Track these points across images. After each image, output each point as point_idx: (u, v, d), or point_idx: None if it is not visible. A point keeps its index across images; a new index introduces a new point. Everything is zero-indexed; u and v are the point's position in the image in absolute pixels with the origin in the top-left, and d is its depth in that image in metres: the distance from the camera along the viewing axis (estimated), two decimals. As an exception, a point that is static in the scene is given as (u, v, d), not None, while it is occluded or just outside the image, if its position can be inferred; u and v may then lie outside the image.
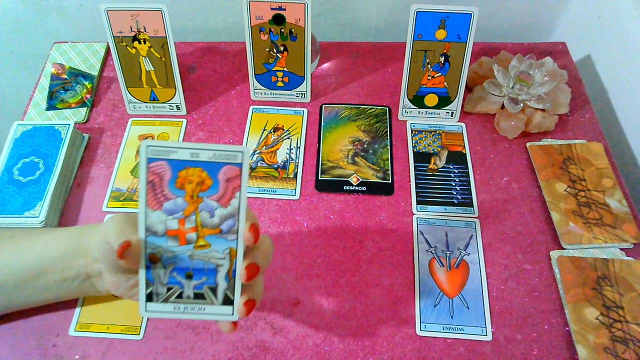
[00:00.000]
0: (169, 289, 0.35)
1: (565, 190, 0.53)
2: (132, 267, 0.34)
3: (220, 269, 0.35)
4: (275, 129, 0.60)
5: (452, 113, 0.60)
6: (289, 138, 0.59)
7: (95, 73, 0.65)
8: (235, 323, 0.36)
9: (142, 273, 0.34)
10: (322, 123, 0.61)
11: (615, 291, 0.47)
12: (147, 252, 0.34)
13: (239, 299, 0.35)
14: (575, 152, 0.56)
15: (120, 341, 0.46)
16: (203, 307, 0.35)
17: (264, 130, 0.60)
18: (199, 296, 0.35)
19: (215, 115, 0.62)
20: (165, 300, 0.35)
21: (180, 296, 0.35)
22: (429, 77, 0.58)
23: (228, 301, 0.35)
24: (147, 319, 0.47)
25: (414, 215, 0.53)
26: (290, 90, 0.62)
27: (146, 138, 0.59)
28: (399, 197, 0.55)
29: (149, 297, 0.35)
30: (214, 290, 0.35)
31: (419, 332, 0.46)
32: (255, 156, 0.58)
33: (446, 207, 0.54)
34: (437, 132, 0.60)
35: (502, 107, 0.60)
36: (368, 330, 0.46)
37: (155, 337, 0.46)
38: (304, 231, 0.52)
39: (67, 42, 0.68)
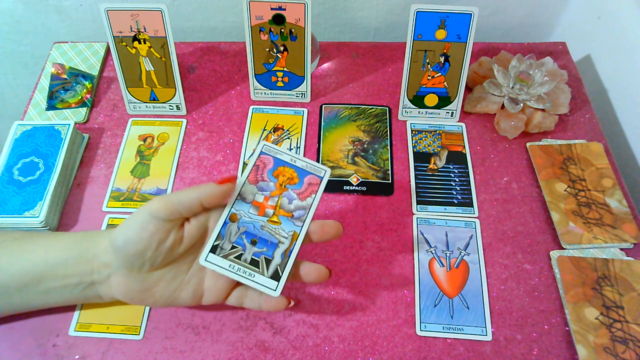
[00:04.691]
0: (232, 247, 0.40)
1: (565, 190, 0.53)
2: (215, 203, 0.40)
3: (281, 245, 0.41)
4: (275, 129, 0.60)
5: (452, 113, 0.60)
6: (289, 138, 0.59)
7: (95, 73, 0.65)
8: (283, 301, 0.41)
9: (218, 225, 0.40)
10: (322, 123, 0.61)
11: (615, 291, 0.47)
12: (231, 211, 0.41)
13: (285, 278, 0.40)
14: (575, 152, 0.56)
15: (120, 341, 0.46)
16: (253, 274, 0.40)
17: (264, 130, 0.60)
18: (254, 263, 0.40)
19: (215, 115, 0.62)
20: (225, 257, 0.40)
21: (239, 257, 0.40)
22: (429, 77, 0.58)
23: (276, 277, 0.40)
24: (147, 319, 0.47)
25: (414, 215, 0.53)
26: (290, 90, 0.62)
27: (146, 138, 0.59)
28: (399, 197, 0.55)
29: (213, 249, 0.40)
30: (268, 262, 0.40)
31: (419, 332, 0.46)
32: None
33: (446, 207, 0.54)
34: (437, 132, 0.60)
35: (502, 107, 0.60)
36: (368, 330, 0.46)
37: (155, 337, 0.46)
38: (304, 231, 0.52)
39: (67, 42, 0.68)
